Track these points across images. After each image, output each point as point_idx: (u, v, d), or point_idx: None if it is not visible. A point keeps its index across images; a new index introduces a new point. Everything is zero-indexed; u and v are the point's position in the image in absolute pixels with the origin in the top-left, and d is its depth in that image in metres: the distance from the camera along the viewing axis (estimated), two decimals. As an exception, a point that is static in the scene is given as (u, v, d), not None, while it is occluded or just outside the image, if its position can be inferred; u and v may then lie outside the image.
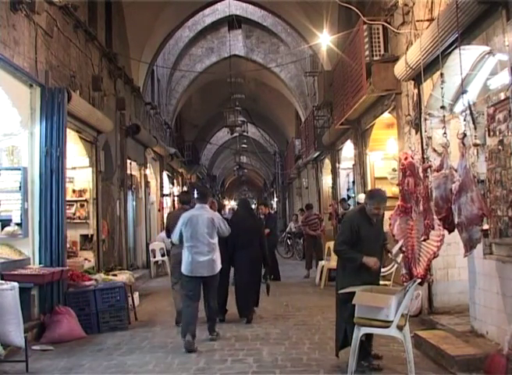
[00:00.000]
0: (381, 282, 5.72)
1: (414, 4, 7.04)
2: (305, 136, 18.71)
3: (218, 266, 6.43)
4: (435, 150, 5.81)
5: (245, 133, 27.90)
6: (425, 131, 6.16)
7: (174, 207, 19.63)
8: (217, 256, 6.41)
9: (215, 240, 6.42)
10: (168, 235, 7.21)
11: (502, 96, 4.83)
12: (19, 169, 7.08)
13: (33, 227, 7.19)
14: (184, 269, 6.31)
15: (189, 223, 6.34)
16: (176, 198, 20.11)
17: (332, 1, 10.78)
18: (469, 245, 4.80)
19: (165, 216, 16.79)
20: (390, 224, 5.68)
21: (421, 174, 5.34)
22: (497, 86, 5.31)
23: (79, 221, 9.66)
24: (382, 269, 6.09)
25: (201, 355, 5.78)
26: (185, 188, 23.69)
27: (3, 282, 5.60)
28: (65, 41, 8.69)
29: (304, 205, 20.17)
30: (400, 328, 4.58)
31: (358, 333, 4.68)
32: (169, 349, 6.08)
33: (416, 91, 7.15)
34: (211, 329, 6.51)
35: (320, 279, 10.76)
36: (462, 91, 5.30)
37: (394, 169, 9.86)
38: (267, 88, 23.34)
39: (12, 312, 5.26)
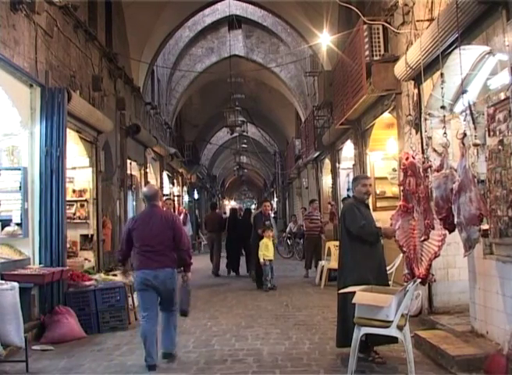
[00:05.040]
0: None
1: (414, 4, 7.04)
2: (305, 136, 18.69)
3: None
4: (435, 150, 5.80)
5: (245, 133, 27.85)
6: (425, 131, 6.15)
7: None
8: None
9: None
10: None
11: (502, 96, 4.83)
12: (19, 169, 7.07)
13: (33, 227, 7.19)
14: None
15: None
16: (176, 198, 20.72)
17: (332, 1, 10.77)
18: (468, 245, 4.81)
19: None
20: (392, 224, 5.69)
21: (422, 174, 5.35)
22: (497, 86, 5.31)
23: (79, 221, 9.64)
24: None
25: (201, 354, 5.78)
26: (184, 188, 25.45)
27: (3, 282, 5.60)
28: (65, 41, 8.69)
29: (303, 205, 20.19)
30: (400, 328, 4.58)
31: (358, 333, 4.69)
32: (169, 349, 6.07)
33: (416, 90, 7.15)
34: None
35: (320, 279, 10.77)
36: (462, 91, 5.30)
37: (394, 169, 9.85)
38: (267, 88, 23.32)
39: (12, 312, 5.26)
